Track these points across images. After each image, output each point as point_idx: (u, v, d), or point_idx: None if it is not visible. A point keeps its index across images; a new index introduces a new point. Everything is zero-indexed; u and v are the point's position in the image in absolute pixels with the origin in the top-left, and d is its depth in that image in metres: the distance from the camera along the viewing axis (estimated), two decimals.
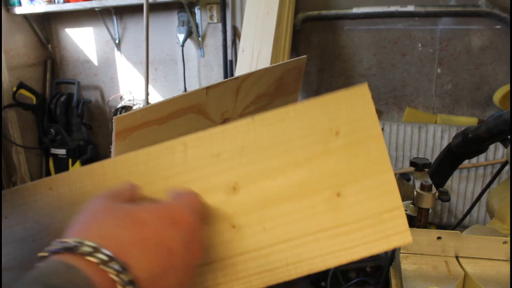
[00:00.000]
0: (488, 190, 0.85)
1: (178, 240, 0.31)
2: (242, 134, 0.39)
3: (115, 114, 2.66)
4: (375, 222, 0.37)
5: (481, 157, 1.96)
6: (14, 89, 2.59)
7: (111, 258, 0.27)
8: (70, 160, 2.70)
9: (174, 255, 0.30)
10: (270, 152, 0.38)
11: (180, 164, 0.39)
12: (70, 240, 0.28)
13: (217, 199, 0.38)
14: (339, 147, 0.38)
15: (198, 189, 0.38)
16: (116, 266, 0.27)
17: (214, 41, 2.42)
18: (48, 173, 2.83)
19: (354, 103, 0.38)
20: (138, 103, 2.69)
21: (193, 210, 0.34)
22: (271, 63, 1.83)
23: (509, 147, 0.74)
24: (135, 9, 2.51)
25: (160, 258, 0.29)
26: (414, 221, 0.65)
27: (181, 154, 0.39)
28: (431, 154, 2.05)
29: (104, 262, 0.27)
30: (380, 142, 0.38)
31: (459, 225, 0.97)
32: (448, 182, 2.03)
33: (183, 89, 2.55)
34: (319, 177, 0.38)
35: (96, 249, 0.27)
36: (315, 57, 2.24)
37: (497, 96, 1.92)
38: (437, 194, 0.64)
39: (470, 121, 2.02)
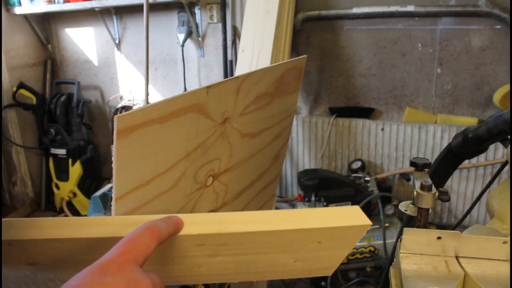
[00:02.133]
0: (488, 190, 0.86)
1: None
2: None
3: (115, 114, 2.66)
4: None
5: (481, 157, 1.96)
6: (14, 89, 2.59)
7: None
8: (70, 160, 2.70)
9: None
10: None
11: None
12: None
13: None
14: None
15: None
16: None
17: (214, 41, 2.43)
18: (48, 173, 2.83)
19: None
20: (138, 103, 2.69)
21: None
22: (271, 63, 1.83)
23: (509, 147, 0.74)
24: (135, 9, 2.51)
25: None
26: (414, 221, 0.65)
27: None
28: (431, 154, 2.05)
29: None
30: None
31: (459, 225, 0.97)
32: (448, 182, 2.03)
33: (183, 89, 2.55)
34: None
35: None
36: (315, 57, 2.24)
37: (497, 96, 1.92)
38: (437, 194, 0.64)
39: (470, 121, 2.02)
